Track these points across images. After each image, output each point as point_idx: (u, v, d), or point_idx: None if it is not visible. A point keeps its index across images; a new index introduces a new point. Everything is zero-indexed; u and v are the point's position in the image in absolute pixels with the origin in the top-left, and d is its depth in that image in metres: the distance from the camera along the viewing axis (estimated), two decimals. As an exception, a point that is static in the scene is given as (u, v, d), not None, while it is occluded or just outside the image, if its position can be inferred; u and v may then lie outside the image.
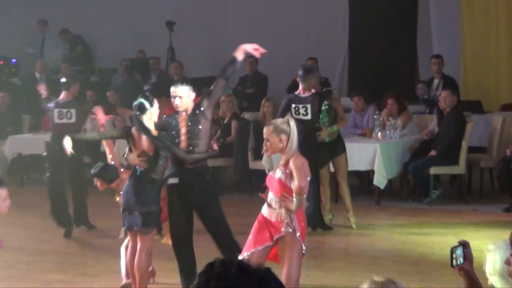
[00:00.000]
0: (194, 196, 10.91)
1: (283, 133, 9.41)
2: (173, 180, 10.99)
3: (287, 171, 9.47)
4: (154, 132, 10.80)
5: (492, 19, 20.06)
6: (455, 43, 20.38)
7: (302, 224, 9.60)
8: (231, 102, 17.96)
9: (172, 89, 10.85)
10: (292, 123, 9.60)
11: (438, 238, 13.78)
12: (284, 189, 9.52)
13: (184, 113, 10.82)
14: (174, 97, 10.79)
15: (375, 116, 16.96)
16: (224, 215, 10.78)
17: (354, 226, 14.50)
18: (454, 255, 5.76)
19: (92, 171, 11.41)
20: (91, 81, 21.70)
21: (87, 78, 21.96)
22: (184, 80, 11.60)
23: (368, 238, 13.92)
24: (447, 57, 18.93)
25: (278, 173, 9.52)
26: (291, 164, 9.44)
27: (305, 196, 9.42)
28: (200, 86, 21.05)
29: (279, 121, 9.80)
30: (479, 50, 20.15)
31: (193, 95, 10.86)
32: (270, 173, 9.71)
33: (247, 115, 18.00)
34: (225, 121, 17.94)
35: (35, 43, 24.50)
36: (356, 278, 9.32)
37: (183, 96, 10.75)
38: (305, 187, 9.52)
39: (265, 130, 9.62)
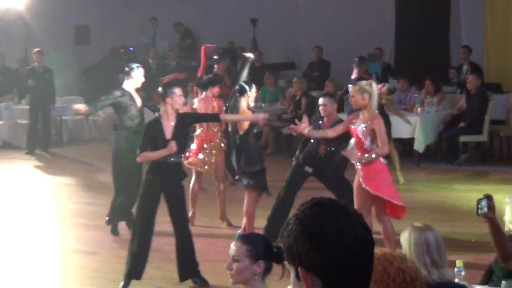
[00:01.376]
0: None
1: (366, 93, 9.48)
2: (308, 169, 11.08)
3: (365, 128, 9.50)
4: (247, 111, 10.82)
5: (511, 17, 20.00)
6: (480, 36, 20.30)
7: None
8: (302, 83, 17.99)
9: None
10: (374, 85, 9.66)
11: (466, 192, 13.77)
12: (359, 143, 9.62)
13: None
14: None
15: (415, 95, 17.18)
16: None
17: (402, 181, 14.56)
18: (479, 206, 5.84)
19: None
20: (192, 65, 21.79)
21: (189, 63, 22.11)
22: None
23: (409, 192, 13.90)
24: (474, 47, 18.89)
25: (358, 127, 9.59)
26: (376, 127, 9.50)
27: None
28: (277, 69, 21.34)
29: (363, 82, 9.86)
30: (500, 42, 20.03)
31: None
32: (352, 126, 9.71)
33: (314, 93, 18.00)
34: (296, 98, 17.98)
35: (148, 35, 24.74)
36: (399, 224, 9.33)
37: None
38: (387, 152, 9.68)
39: (351, 89, 9.70)
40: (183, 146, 9.59)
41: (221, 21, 23.86)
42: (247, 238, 5.31)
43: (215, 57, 15.75)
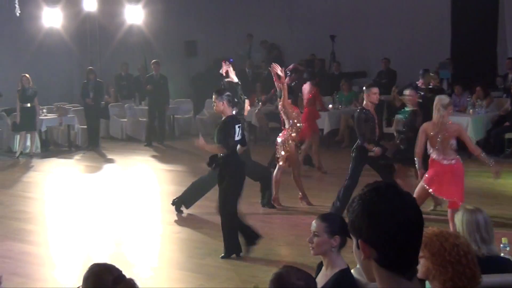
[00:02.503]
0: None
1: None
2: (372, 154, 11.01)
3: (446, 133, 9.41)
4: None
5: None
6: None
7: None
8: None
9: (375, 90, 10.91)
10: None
11: (510, 180, 13.55)
12: None
13: None
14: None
15: (468, 99, 17.01)
16: None
17: None
18: None
19: None
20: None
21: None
22: None
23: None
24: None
25: None
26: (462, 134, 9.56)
27: None
28: (351, 77, 21.30)
29: (442, 96, 9.91)
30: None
31: None
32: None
33: (382, 97, 17.87)
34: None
35: (245, 48, 24.85)
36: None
37: None
38: None
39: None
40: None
41: (305, 37, 23.84)
42: (326, 217, 5.31)
43: (287, 72, 15.79)
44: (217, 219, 9.81)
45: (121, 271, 4.24)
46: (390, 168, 11.09)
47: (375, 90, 10.87)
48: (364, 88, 11.42)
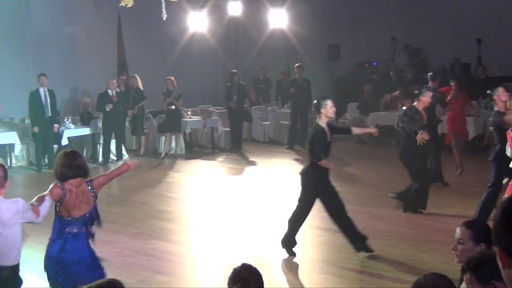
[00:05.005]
0: None
1: None
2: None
3: None
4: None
5: None
6: None
7: None
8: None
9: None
10: None
11: None
12: None
13: None
14: None
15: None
16: None
17: None
18: None
19: None
20: (424, 78, 21.56)
21: (422, 76, 21.83)
22: None
23: None
24: None
25: None
26: None
27: None
28: (500, 82, 20.64)
29: None
30: None
31: None
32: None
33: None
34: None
35: (389, 52, 24.57)
36: None
37: None
38: None
39: None
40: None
41: (449, 40, 23.36)
42: (471, 224, 5.20)
43: (430, 74, 15.57)
44: (362, 223, 9.77)
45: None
46: None
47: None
48: (490, 91, 11.14)
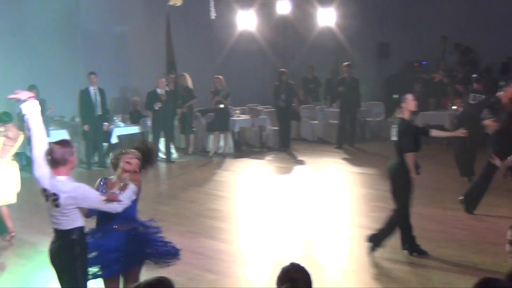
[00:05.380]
0: None
1: None
2: None
3: None
4: None
5: None
6: None
7: None
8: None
9: None
10: None
11: None
12: None
13: None
14: None
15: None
16: None
17: None
18: None
19: None
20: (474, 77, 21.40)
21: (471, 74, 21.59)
22: None
23: None
24: None
25: None
26: None
27: None
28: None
29: None
30: None
31: None
32: None
33: None
34: None
35: (439, 50, 24.32)
36: None
37: None
38: None
39: None
40: None
41: (502, 38, 23.06)
42: (523, 226, 5.16)
43: (474, 75, 15.43)
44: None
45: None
46: None
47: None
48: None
